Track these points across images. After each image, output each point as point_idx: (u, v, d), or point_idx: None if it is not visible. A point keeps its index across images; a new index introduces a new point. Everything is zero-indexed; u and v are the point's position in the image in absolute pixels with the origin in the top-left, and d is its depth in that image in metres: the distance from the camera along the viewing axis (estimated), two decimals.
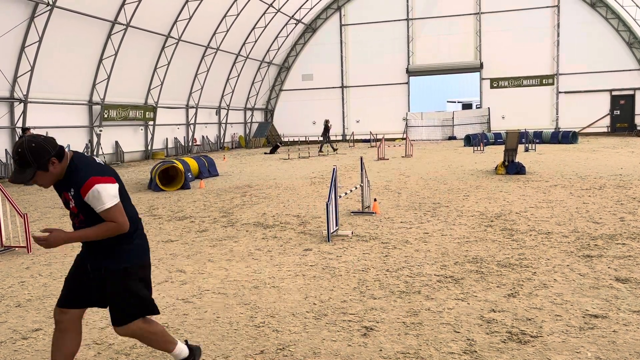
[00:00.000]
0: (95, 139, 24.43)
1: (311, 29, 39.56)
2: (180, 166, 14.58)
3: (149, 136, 28.38)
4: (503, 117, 36.01)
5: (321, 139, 28.72)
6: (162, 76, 27.95)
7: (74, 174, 3.09)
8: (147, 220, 9.78)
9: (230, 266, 6.38)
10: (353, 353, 3.89)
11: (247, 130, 39.19)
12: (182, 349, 3.57)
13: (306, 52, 39.99)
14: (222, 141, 35.70)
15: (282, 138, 39.31)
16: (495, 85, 36.58)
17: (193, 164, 16.47)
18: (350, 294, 5.18)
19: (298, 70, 40.27)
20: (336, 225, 7.80)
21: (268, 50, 37.40)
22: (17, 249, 7.67)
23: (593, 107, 34.76)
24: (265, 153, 29.40)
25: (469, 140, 28.46)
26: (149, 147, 28.41)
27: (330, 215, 7.44)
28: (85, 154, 3.27)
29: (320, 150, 27.25)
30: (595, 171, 14.54)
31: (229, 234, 8.29)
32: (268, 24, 34.46)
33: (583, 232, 7.40)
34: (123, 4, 23.16)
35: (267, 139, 38.04)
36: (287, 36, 37.89)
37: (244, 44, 34.13)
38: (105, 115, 24.61)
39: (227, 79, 34.66)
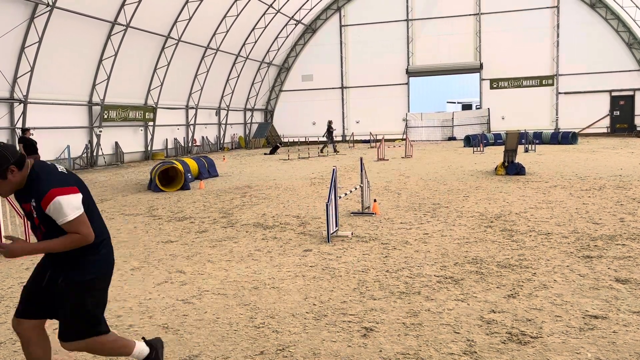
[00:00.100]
0: (95, 140, 24.44)
1: (311, 29, 39.56)
2: (180, 167, 14.58)
3: (149, 137, 28.37)
4: (503, 118, 36.02)
5: (324, 139, 28.71)
6: (162, 77, 27.95)
7: (34, 184, 2.98)
8: (146, 221, 9.79)
9: (230, 267, 6.38)
10: (353, 354, 3.89)
11: (247, 131, 39.18)
12: (141, 349, 3.44)
13: (306, 52, 40.00)
14: (221, 142, 35.70)
15: (282, 139, 39.30)
16: (495, 85, 36.59)
17: (193, 164, 16.47)
18: (350, 295, 5.18)
19: (298, 71, 40.28)
20: (336, 226, 7.80)
21: (268, 51, 37.41)
22: None
23: (593, 108, 34.78)
24: (265, 154, 29.39)
25: (469, 141, 28.45)
26: (149, 148, 28.40)
27: (330, 216, 7.44)
28: (47, 162, 3.16)
29: (321, 151, 27.23)
30: (595, 172, 14.54)
31: (229, 234, 8.29)
32: (268, 24, 34.47)
33: (583, 233, 7.40)
34: (123, 5, 23.17)
35: (267, 139, 38.03)
36: (287, 37, 37.90)
37: (243, 44, 34.13)
38: (105, 116, 24.61)
39: (227, 80, 34.66)
